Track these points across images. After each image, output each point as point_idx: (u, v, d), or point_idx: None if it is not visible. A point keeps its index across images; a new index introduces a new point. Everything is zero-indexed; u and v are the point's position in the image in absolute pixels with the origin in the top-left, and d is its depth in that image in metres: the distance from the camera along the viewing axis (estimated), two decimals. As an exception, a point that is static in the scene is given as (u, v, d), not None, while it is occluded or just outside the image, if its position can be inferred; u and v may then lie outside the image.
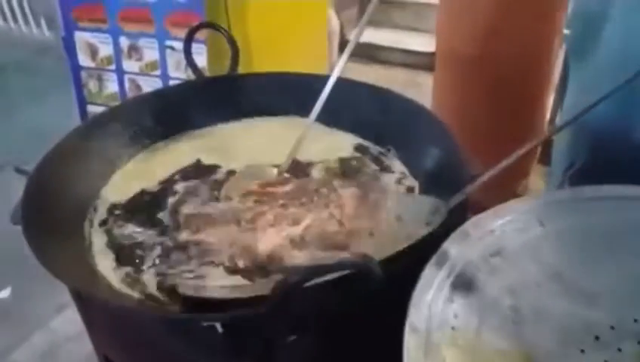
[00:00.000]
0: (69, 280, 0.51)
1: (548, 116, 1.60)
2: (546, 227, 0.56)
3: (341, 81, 0.74)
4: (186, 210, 0.66)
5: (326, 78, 0.74)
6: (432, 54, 2.28)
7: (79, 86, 1.72)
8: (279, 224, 0.60)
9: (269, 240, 0.58)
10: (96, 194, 0.70)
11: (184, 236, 0.62)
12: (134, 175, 0.75)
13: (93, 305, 0.56)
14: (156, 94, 0.86)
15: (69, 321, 1.14)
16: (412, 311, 0.46)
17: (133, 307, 0.55)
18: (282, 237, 0.58)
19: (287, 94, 0.82)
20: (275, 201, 0.64)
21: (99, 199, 0.70)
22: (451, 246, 0.53)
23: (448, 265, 0.51)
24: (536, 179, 1.55)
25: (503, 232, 0.55)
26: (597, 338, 0.46)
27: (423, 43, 2.49)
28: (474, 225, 0.56)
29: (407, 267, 0.47)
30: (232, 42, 0.81)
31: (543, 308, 0.49)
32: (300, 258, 0.55)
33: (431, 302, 0.47)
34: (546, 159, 1.56)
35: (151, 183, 0.74)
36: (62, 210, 0.64)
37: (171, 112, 0.80)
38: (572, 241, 0.55)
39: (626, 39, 0.72)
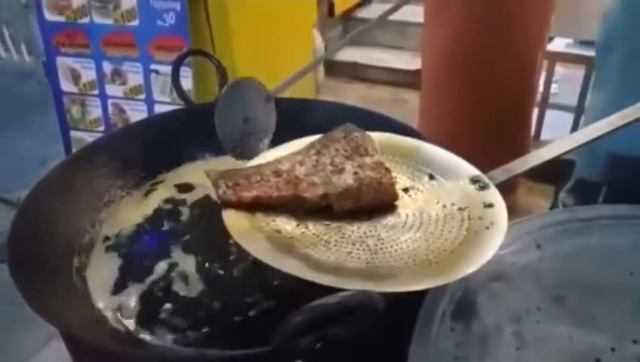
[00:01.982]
0: (59, 322, 0.50)
1: (532, 132, 1.62)
2: (543, 249, 0.56)
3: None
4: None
5: (314, 102, 0.74)
6: (416, 72, 2.32)
7: (62, 112, 1.71)
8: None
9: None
10: (85, 229, 0.69)
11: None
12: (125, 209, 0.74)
13: (85, 346, 0.54)
14: (145, 124, 0.85)
15: (57, 353, 1.11)
16: (414, 344, 0.45)
17: (125, 350, 0.53)
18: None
19: (277, 118, 0.81)
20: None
21: (88, 234, 0.69)
22: (450, 272, 0.53)
23: (448, 293, 0.51)
24: (523, 194, 1.56)
25: (502, 256, 0.55)
26: (598, 361, 0.46)
27: (406, 61, 2.51)
28: (471, 249, 0.55)
29: (408, 297, 0.46)
30: (221, 69, 0.80)
31: (545, 333, 0.49)
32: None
33: (432, 332, 0.47)
34: (532, 174, 1.58)
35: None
36: (49, 246, 0.62)
37: (161, 143, 0.79)
38: (570, 263, 0.55)
39: None
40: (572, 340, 0.48)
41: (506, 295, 0.51)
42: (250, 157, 0.57)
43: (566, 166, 1.07)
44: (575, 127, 1.63)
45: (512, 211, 1.42)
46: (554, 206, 0.83)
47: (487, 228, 0.52)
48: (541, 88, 1.68)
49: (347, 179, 0.54)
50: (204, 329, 0.57)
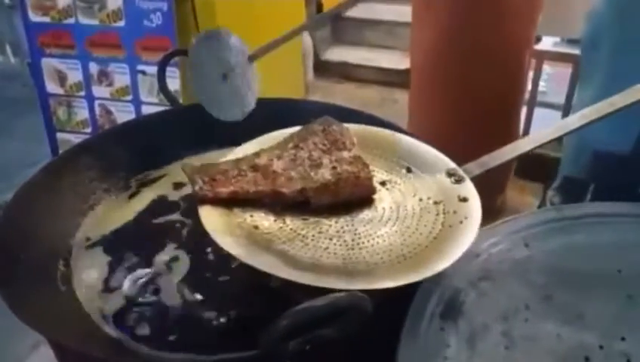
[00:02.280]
0: (45, 330, 0.49)
1: (521, 130, 1.63)
2: (531, 248, 0.56)
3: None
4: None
5: (304, 102, 0.74)
6: (406, 71, 2.32)
7: (48, 113, 1.69)
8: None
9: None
10: (70, 232, 0.68)
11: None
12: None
13: (72, 353, 0.53)
14: (131, 125, 0.84)
15: (45, 359, 1.10)
16: (403, 344, 0.45)
17: (113, 357, 0.52)
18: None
19: (265, 119, 0.81)
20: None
21: (72, 238, 0.68)
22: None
23: (437, 292, 0.50)
24: (514, 193, 1.57)
25: (490, 255, 0.55)
26: (587, 359, 0.46)
27: (396, 60, 2.51)
28: (460, 249, 0.55)
29: (397, 297, 0.46)
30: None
31: (534, 332, 0.48)
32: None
33: (421, 332, 0.47)
34: (522, 173, 1.59)
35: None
36: (34, 250, 0.61)
37: (147, 144, 0.78)
38: (558, 261, 0.55)
39: None
40: (561, 338, 0.48)
41: (495, 294, 0.51)
42: (229, 118, 0.55)
43: (556, 164, 1.08)
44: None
45: (503, 210, 1.43)
46: (542, 204, 0.84)
47: (461, 222, 0.52)
48: (529, 87, 1.68)
49: (325, 174, 0.54)
50: (191, 334, 0.56)
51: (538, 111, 1.82)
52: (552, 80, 2.12)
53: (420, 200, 0.56)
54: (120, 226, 0.71)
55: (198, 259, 0.65)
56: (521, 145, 0.57)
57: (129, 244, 0.68)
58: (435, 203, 0.55)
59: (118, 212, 0.73)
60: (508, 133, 1.46)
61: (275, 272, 0.45)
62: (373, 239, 0.51)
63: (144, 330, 0.57)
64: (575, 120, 0.57)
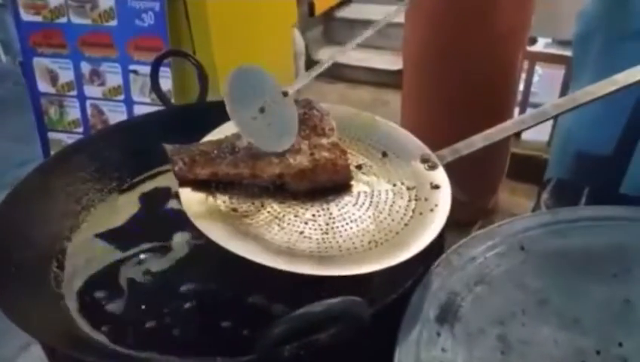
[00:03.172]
0: (34, 331, 0.48)
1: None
2: (527, 251, 0.56)
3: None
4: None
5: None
6: (397, 72, 2.31)
7: (39, 113, 1.67)
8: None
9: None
10: (63, 234, 0.67)
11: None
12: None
13: (61, 355, 0.53)
14: (124, 126, 0.84)
15: (34, 360, 1.10)
16: (399, 349, 0.45)
17: (102, 359, 0.52)
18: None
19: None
20: None
21: (65, 239, 0.67)
22: (434, 276, 0.52)
23: (432, 297, 0.50)
24: (505, 194, 1.57)
25: (485, 259, 0.55)
26: (583, 363, 0.46)
27: (388, 61, 2.51)
28: (456, 252, 0.55)
29: (394, 302, 0.46)
30: (201, 70, 0.79)
31: (530, 336, 0.48)
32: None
33: (417, 338, 0.47)
34: (513, 174, 1.60)
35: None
36: (27, 252, 0.61)
37: (140, 144, 0.77)
38: (553, 265, 0.55)
39: None
40: (557, 343, 0.48)
41: (491, 298, 0.51)
42: (270, 150, 0.56)
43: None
44: (554, 127, 1.65)
45: (495, 211, 1.43)
46: (536, 207, 0.84)
47: (432, 210, 0.53)
48: (521, 88, 1.69)
49: (303, 160, 0.55)
50: (183, 338, 0.56)
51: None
52: (544, 81, 2.12)
53: (394, 185, 0.57)
54: (112, 228, 0.70)
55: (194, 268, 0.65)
56: (493, 134, 0.58)
57: (123, 246, 0.67)
58: (408, 188, 0.56)
59: (111, 213, 0.72)
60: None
61: (251, 257, 0.46)
62: (347, 224, 0.52)
63: (132, 334, 0.57)
64: (549, 109, 0.57)
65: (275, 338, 0.37)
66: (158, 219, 0.73)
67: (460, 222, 0.57)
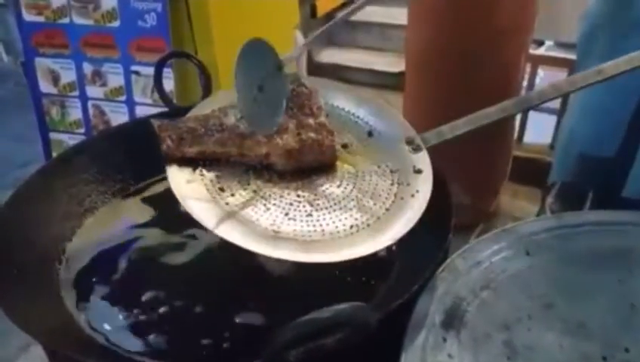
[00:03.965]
0: (35, 332, 0.48)
1: (515, 135, 1.63)
2: (532, 256, 0.56)
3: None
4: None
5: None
6: (399, 74, 2.31)
7: (41, 113, 1.67)
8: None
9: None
10: (66, 236, 0.67)
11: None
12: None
13: (62, 356, 0.52)
14: (127, 127, 0.83)
15: (35, 360, 1.10)
16: (404, 356, 0.45)
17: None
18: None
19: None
20: None
21: (67, 241, 0.67)
22: (439, 281, 0.52)
23: (438, 302, 0.50)
24: (507, 197, 1.56)
25: (491, 263, 0.54)
26: (589, 369, 0.46)
27: (389, 63, 2.51)
28: (461, 257, 0.55)
29: (400, 308, 0.46)
30: (204, 71, 0.79)
31: (536, 341, 0.48)
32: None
33: (423, 343, 0.46)
34: (515, 176, 1.59)
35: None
36: (29, 254, 0.60)
37: (143, 147, 0.76)
38: (559, 270, 0.54)
39: None
40: (563, 349, 0.47)
41: (496, 303, 0.51)
42: (265, 130, 0.56)
43: (550, 168, 1.08)
44: (556, 129, 1.64)
45: (496, 214, 1.42)
46: (541, 211, 0.84)
47: (413, 196, 0.54)
48: (524, 91, 1.68)
49: (290, 140, 0.55)
50: (183, 341, 0.55)
51: (532, 115, 1.82)
52: (545, 83, 2.12)
53: (378, 166, 0.57)
54: (115, 230, 0.70)
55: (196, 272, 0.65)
56: (477, 119, 0.58)
57: (125, 250, 0.67)
58: (392, 171, 0.57)
59: (113, 215, 0.72)
60: (502, 136, 1.46)
61: (235, 241, 0.47)
62: (331, 206, 0.53)
63: (136, 336, 0.56)
64: (534, 96, 0.58)
65: (281, 344, 0.37)
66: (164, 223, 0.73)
67: (461, 225, 0.57)
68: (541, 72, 1.97)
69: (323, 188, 0.54)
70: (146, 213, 0.74)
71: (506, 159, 1.49)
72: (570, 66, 1.66)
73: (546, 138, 1.68)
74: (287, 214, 0.51)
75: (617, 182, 0.76)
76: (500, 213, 1.52)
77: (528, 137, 1.71)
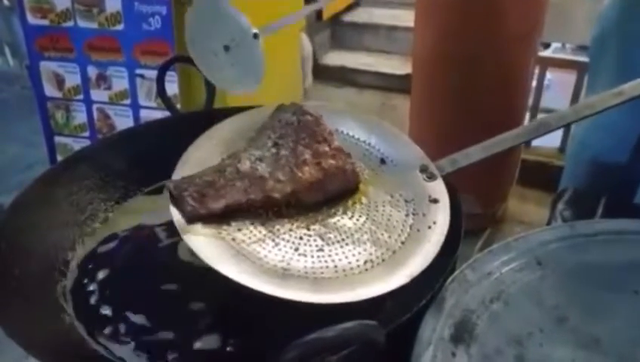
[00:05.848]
0: (39, 351, 0.47)
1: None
2: (544, 267, 0.54)
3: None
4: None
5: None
6: (405, 77, 2.30)
7: (45, 117, 1.67)
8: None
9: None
10: (67, 244, 0.66)
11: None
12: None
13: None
14: (129, 133, 0.82)
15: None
16: (414, 371, 0.43)
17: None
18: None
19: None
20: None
21: (69, 250, 0.66)
22: (449, 293, 0.51)
23: (447, 315, 0.48)
24: (515, 201, 1.54)
25: (501, 274, 0.53)
26: (603, 384, 0.44)
27: (395, 65, 2.49)
28: (470, 268, 0.53)
29: (408, 322, 0.44)
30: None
31: (548, 356, 0.47)
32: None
33: (432, 359, 0.45)
34: (523, 180, 1.57)
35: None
36: (29, 263, 0.59)
37: (146, 153, 0.76)
38: (572, 281, 0.53)
39: None
40: (576, 364, 0.46)
41: (507, 316, 0.49)
42: (230, 89, 0.53)
43: (558, 172, 1.06)
44: (566, 133, 1.62)
45: (504, 219, 1.41)
46: (552, 218, 0.82)
47: (429, 227, 0.52)
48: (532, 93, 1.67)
49: (312, 172, 0.53)
50: (187, 354, 0.54)
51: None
52: (554, 87, 2.10)
53: (392, 196, 0.55)
54: (118, 235, 0.69)
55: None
56: (493, 146, 0.56)
57: (126, 258, 0.66)
58: (406, 201, 0.54)
59: (117, 222, 0.71)
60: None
61: (242, 281, 0.44)
62: (344, 240, 0.50)
63: (138, 350, 0.55)
64: (552, 121, 0.56)
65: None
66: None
67: (468, 231, 0.55)
68: (549, 74, 1.95)
69: (334, 219, 0.52)
70: (148, 221, 0.72)
71: (514, 163, 1.48)
72: (579, 68, 1.64)
73: (554, 141, 1.66)
74: (297, 250, 0.48)
75: (630, 188, 0.74)
76: (508, 217, 1.50)
77: (536, 140, 1.69)
